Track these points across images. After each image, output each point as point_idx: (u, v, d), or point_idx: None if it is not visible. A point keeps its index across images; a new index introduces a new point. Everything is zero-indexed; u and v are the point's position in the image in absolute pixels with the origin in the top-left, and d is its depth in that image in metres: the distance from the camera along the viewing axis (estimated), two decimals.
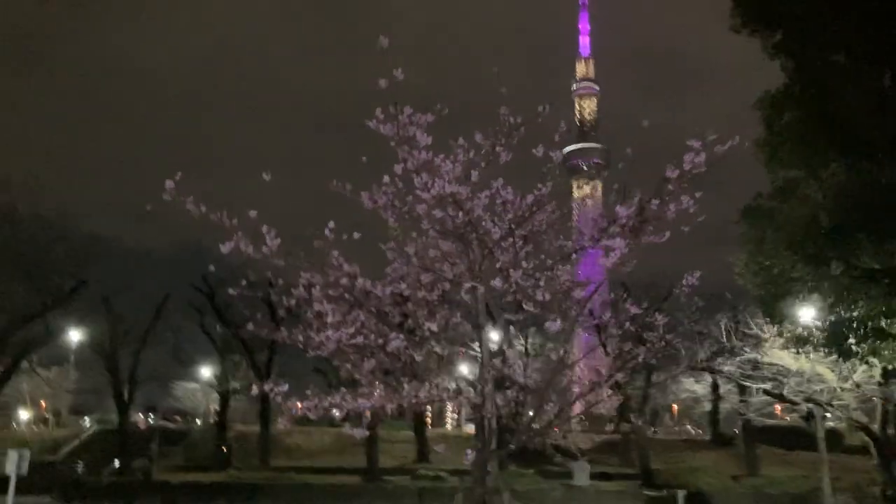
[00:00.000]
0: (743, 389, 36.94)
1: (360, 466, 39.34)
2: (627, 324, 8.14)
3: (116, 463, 36.96)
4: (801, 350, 15.38)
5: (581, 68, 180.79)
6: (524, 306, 8.58)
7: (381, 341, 7.53)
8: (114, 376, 37.46)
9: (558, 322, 8.08)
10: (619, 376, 8.62)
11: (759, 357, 19.86)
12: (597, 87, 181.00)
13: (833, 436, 42.33)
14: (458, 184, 7.38)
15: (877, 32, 13.84)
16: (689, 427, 61.69)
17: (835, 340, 11.87)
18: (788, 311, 13.16)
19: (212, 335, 41.98)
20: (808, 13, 14.51)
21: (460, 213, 7.78)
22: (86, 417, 54.17)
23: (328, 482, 32.73)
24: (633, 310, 7.65)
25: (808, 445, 45.03)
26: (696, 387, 42.57)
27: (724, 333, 19.50)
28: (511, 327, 8.75)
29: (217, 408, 58.81)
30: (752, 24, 15.60)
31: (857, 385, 18.44)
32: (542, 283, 8.23)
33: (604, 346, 10.31)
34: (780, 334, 16.99)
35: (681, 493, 22.08)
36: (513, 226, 8.05)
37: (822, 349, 13.61)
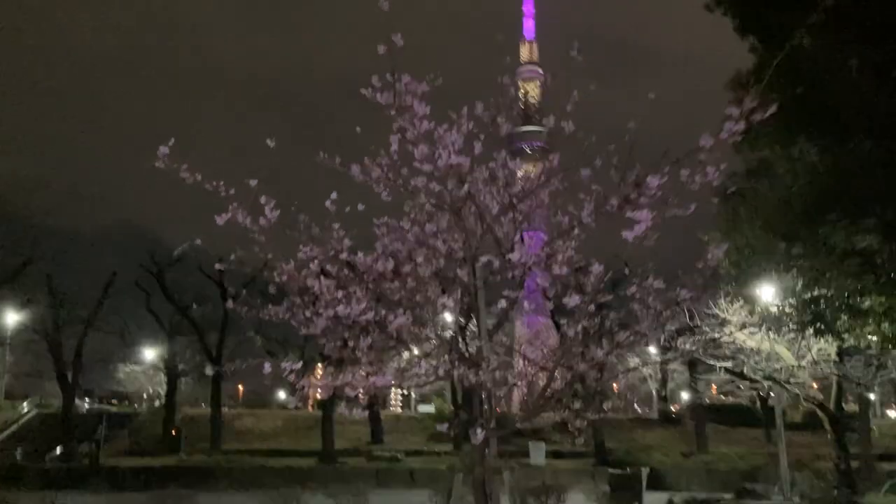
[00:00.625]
0: (693, 368, 37.78)
1: (313, 449, 38.97)
2: (591, 305, 7.86)
3: (59, 448, 35.74)
4: (771, 329, 15.65)
5: (525, 51, 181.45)
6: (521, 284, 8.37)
7: (377, 318, 7.22)
8: (57, 358, 36.09)
9: (576, 297, 7.77)
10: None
11: (719, 336, 20.15)
12: (541, 71, 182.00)
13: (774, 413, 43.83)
14: (462, 155, 7.11)
15: (842, 16, 13.99)
16: (636, 406, 62.98)
17: (813, 319, 12.06)
18: (762, 289, 13.32)
19: (159, 316, 40.94)
20: None
21: (464, 186, 7.51)
22: (24, 402, 52.29)
23: (284, 465, 32.25)
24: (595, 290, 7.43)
25: (750, 422, 46.73)
26: (645, 367, 43.34)
27: (686, 313, 19.72)
28: (507, 305, 8.50)
29: (162, 390, 57.67)
30: (725, 2, 15.62)
31: (816, 362, 18.91)
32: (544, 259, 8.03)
33: (557, 326, 10.17)
34: (750, 313, 17.24)
35: (644, 471, 22.39)
36: (514, 200, 7.83)
37: (788, 327, 13.84)
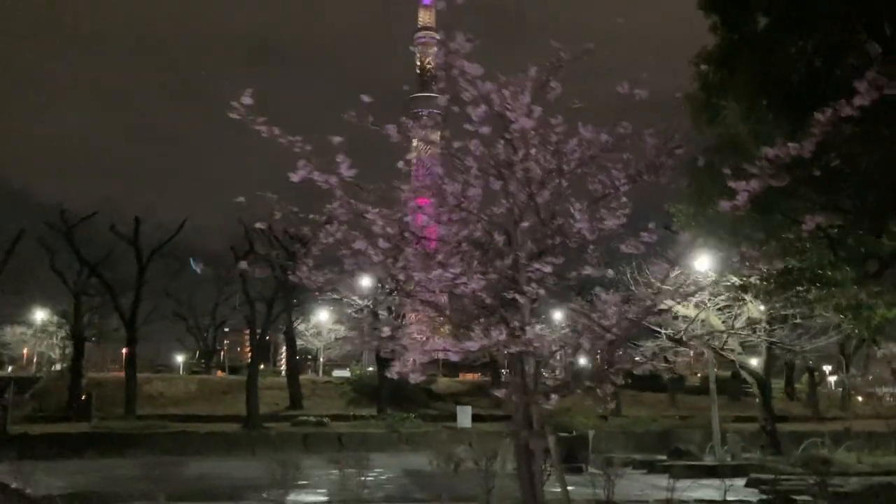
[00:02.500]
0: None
1: (232, 413, 38.18)
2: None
3: None
4: (739, 296, 16.40)
5: (422, 16, 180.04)
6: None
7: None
8: None
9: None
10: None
11: (657, 305, 20.90)
12: (437, 37, 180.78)
13: (679, 378, 46.27)
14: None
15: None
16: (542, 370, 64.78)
17: (786, 287, 12.72)
18: (730, 261, 13.94)
19: (64, 276, 38.67)
20: None
21: (519, 151, 7.41)
22: None
23: (207, 430, 31.37)
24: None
25: (656, 388, 49.16)
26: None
27: (631, 282, 20.44)
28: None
29: (55, 354, 54.76)
30: None
31: (755, 330, 20.02)
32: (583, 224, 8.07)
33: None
34: (716, 282, 17.97)
35: (590, 433, 23.16)
36: (564, 165, 7.78)
37: (753, 296, 14.59)
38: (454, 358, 7.76)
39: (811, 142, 5.73)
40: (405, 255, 7.51)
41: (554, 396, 7.68)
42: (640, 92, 7.81)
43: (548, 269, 8.43)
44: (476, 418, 38.88)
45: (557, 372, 8.35)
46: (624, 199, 8.39)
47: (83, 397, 36.54)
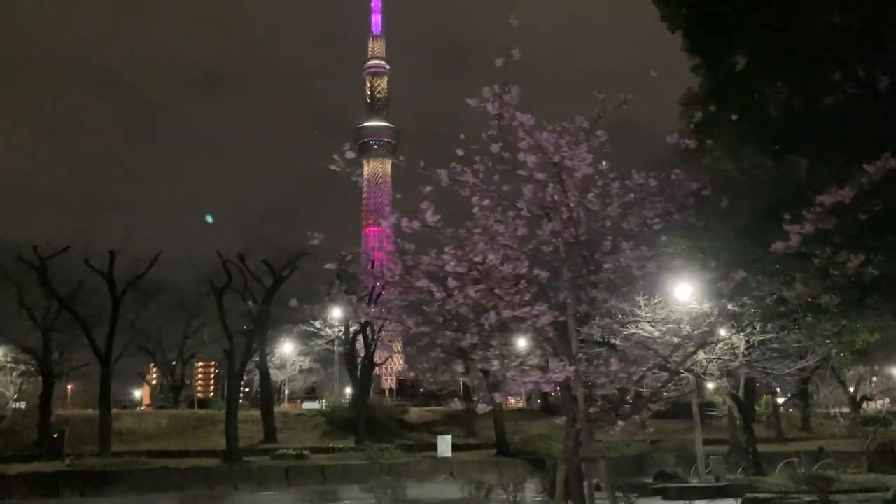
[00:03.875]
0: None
1: (204, 448, 37.78)
2: None
3: None
4: (734, 325, 17.24)
5: (373, 46, 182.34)
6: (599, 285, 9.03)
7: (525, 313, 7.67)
8: None
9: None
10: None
11: (641, 333, 21.75)
12: (387, 67, 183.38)
13: (642, 401, 47.15)
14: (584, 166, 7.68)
15: (769, 39, 15.53)
16: (510, 398, 65.31)
17: (782, 315, 13.56)
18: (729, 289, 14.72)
19: (33, 312, 37.96)
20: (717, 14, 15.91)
21: (570, 194, 8.08)
22: None
23: (187, 465, 31.06)
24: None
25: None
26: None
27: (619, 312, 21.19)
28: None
29: (9, 392, 53.18)
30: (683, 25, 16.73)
31: (736, 355, 20.91)
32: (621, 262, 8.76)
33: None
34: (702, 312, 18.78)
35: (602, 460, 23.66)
36: (609, 208, 8.46)
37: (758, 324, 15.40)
38: (545, 388, 8.33)
39: (852, 190, 6.51)
40: (466, 292, 8.09)
41: (620, 423, 8.30)
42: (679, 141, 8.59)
43: (588, 303, 9.13)
44: (453, 448, 39.13)
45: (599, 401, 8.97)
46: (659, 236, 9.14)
47: (55, 435, 35.75)
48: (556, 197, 8.33)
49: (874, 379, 57.84)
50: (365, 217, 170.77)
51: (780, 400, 63.79)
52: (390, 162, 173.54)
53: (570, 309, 8.79)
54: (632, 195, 8.02)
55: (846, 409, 61.67)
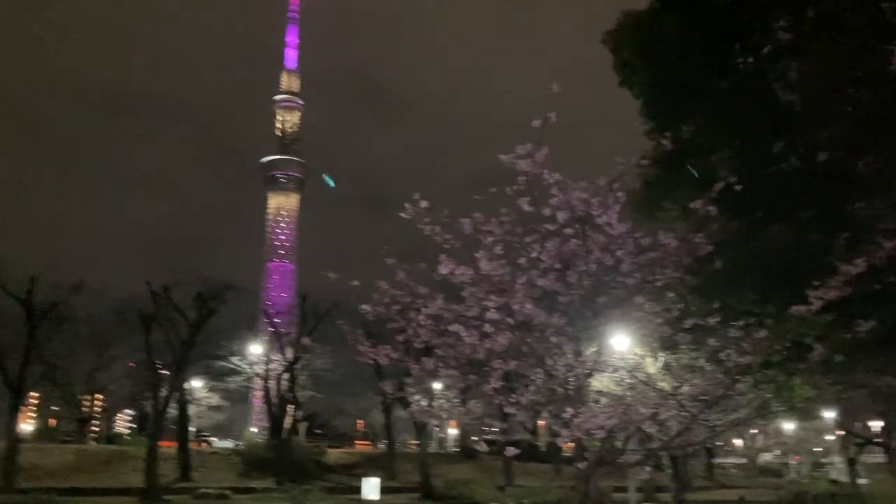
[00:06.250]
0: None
1: (112, 486, 36.19)
2: None
3: None
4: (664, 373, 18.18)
5: (285, 80, 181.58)
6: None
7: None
8: None
9: None
10: None
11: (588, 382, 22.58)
12: (300, 102, 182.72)
13: (554, 448, 48.32)
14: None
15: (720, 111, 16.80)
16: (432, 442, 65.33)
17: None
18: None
19: None
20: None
21: (593, 249, 8.77)
22: None
23: None
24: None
25: (538, 458, 50.98)
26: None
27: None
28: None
29: None
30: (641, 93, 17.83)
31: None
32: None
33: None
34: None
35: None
36: (623, 264, 9.19)
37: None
38: (564, 435, 8.82)
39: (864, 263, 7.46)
40: (496, 338, 8.60)
41: (647, 468, 8.89)
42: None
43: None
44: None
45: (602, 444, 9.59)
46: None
47: None
48: (576, 251, 8.98)
49: (766, 432, 61.08)
50: (268, 252, 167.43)
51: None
52: (297, 196, 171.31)
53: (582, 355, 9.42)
54: (652, 254, 8.77)
55: (743, 460, 64.77)
